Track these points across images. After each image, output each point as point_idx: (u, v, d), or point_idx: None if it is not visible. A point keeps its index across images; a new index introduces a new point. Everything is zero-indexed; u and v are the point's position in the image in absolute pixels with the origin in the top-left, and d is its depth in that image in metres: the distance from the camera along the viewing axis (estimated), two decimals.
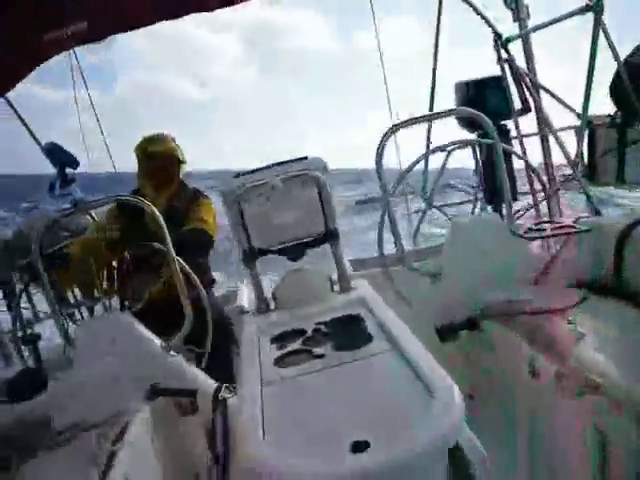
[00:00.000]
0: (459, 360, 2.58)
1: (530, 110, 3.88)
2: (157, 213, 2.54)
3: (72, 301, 3.51)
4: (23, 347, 2.82)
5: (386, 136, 2.72)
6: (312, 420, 1.37)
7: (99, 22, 3.43)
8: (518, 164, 3.84)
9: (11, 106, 3.73)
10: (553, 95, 3.73)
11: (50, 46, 3.50)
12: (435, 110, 4.00)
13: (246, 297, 3.72)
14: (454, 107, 3.80)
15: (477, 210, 4.13)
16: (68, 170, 3.04)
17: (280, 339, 1.98)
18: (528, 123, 3.90)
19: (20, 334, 2.90)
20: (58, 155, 2.90)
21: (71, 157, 2.89)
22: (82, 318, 3.60)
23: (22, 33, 3.22)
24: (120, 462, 1.76)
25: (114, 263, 3.50)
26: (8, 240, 3.85)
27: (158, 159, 3.32)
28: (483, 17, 3.74)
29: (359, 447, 1.21)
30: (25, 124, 3.83)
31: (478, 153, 3.98)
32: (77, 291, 3.66)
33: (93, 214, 3.59)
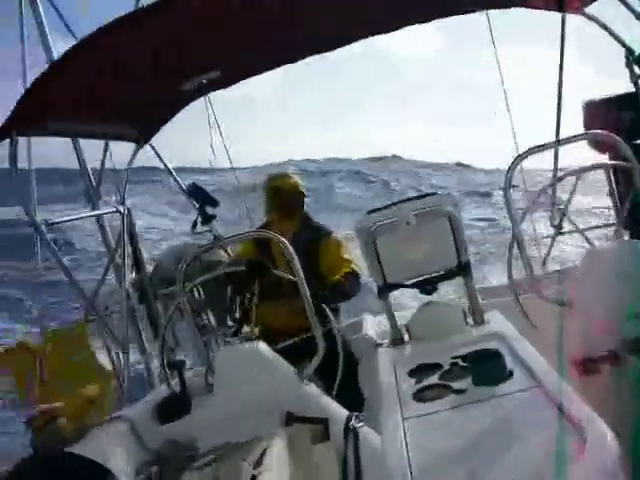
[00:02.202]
0: (601, 395, 2.42)
1: None
2: (289, 247, 2.68)
3: (210, 329, 3.76)
4: (169, 373, 3.04)
5: (513, 165, 2.68)
6: (458, 460, 1.36)
7: (230, 71, 3.73)
8: None
9: (156, 152, 4.12)
10: None
11: (188, 94, 3.85)
12: (562, 134, 3.85)
13: (372, 327, 3.76)
14: (585, 131, 3.64)
15: (613, 236, 3.88)
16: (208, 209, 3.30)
17: (417, 372, 1.99)
18: None
19: (165, 360, 3.13)
20: (199, 195, 3.17)
21: (210, 197, 3.14)
22: (219, 345, 3.83)
23: (164, 84, 3.55)
24: None
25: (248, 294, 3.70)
26: (151, 272, 4.22)
27: (283, 193, 3.62)
28: (612, 33, 3.57)
29: None
30: (168, 169, 4.20)
31: (612, 176, 3.76)
32: (213, 320, 3.91)
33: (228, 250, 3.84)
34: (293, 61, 3.93)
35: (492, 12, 3.92)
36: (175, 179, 4.15)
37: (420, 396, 1.78)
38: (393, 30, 3.81)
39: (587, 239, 3.25)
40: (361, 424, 2.35)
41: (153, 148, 4.12)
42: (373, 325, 3.78)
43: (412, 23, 3.73)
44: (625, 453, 1.61)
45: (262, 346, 2.75)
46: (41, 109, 2.85)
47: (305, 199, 3.72)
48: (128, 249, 4.04)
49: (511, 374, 1.75)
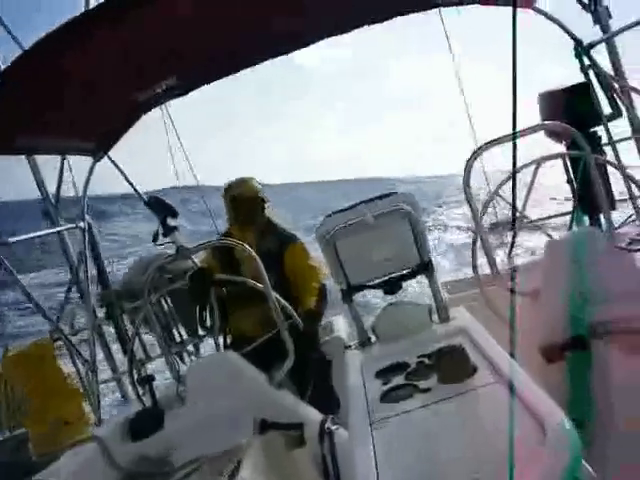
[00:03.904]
0: (566, 381, 2.47)
1: (621, 114, 3.71)
2: (253, 254, 2.66)
3: (178, 340, 3.71)
4: (139, 387, 2.99)
5: (472, 158, 2.70)
6: (424, 459, 1.36)
7: (187, 78, 3.67)
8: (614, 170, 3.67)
9: (116, 165, 4.04)
10: None
11: (145, 104, 3.78)
12: (519, 126, 3.90)
13: (343, 328, 3.76)
14: (540, 122, 3.69)
15: (573, 224, 3.96)
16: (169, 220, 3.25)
17: (384, 373, 1.99)
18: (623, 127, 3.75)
19: (135, 375, 3.08)
20: (159, 207, 3.12)
21: (171, 208, 3.09)
22: (189, 356, 3.79)
23: (118, 94, 3.48)
24: None
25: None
26: (117, 288, 4.14)
27: (242, 202, 3.51)
28: (561, 25, 3.64)
29: None
30: (128, 180, 4.12)
31: (569, 164, 3.84)
32: (182, 331, 3.86)
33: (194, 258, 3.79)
34: (252, 64, 3.88)
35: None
36: (136, 191, 4.09)
37: (387, 398, 1.78)
38: (348, 30, 3.78)
39: (545, 232, 3.32)
40: (336, 426, 2.35)
41: (112, 161, 4.04)
42: (344, 326, 3.78)
43: (369, 22, 3.70)
44: (590, 437, 1.64)
45: (232, 355, 2.73)
46: None
47: (266, 204, 3.61)
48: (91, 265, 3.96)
49: (475, 370, 1.76)
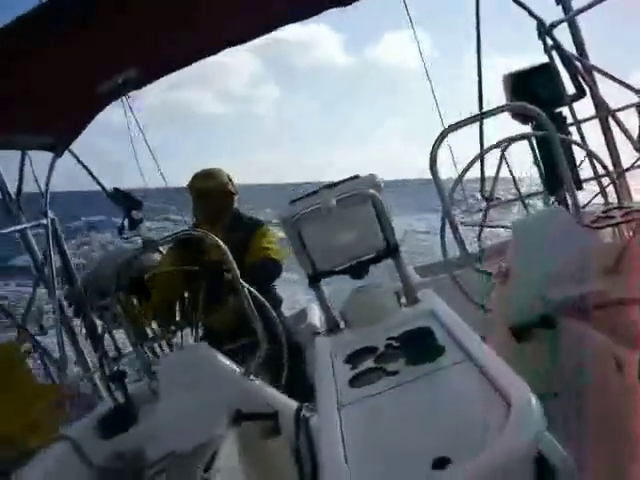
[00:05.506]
0: (537, 359, 2.50)
1: (585, 94, 3.76)
2: (221, 244, 2.63)
3: (150, 335, 3.66)
4: (111, 384, 2.95)
5: (438, 140, 2.70)
6: (392, 440, 1.36)
7: (147, 68, 3.60)
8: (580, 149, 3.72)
9: (76, 157, 3.95)
10: (608, 75, 3.60)
11: (105, 96, 3.70)
12: (485, 107, 3.93)
13: (317, 316, 3.75)
14: (505, 103, 3.72)
15: (540, 204, 4.01)
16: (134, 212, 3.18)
17: (353, 358, 1.98)
18: (586, 107, 3.80)
19: (107, 372, 3.04)
20: (123, 199, 3.04)
21: (135, 200, 3.02)
22: (162, 351, 3.75)
23: (76, 87, 3.39)
24: None
25: (185, 294, 3.63)
26: (83, 283, 4.06)
27: (208, 196, 3.43)
28: (522, 5, 3.66)
29: (440, 464, 1.19)
30: (90, 172, 4.05)
31: (535, 145, 3.87)
32: (154, 325, 3.81)
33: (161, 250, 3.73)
34: (214, 53, 3.82)
35: None
36: (99, 183, 4.01)
37: (355, 382, 1.77)
38: (309, 16, 3.70)
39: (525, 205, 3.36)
40: (311, 414, 2.34)
41: (74, 155, 3.95)
42: (318, 314, 3.77)
43: (328, 7, 3.65)
44: (557, 412, 1.66)
45: (204, 347, 2.70)
46: None
47: (235, 197, 3.55)
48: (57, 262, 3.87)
49: (443, 350, 1.77)
